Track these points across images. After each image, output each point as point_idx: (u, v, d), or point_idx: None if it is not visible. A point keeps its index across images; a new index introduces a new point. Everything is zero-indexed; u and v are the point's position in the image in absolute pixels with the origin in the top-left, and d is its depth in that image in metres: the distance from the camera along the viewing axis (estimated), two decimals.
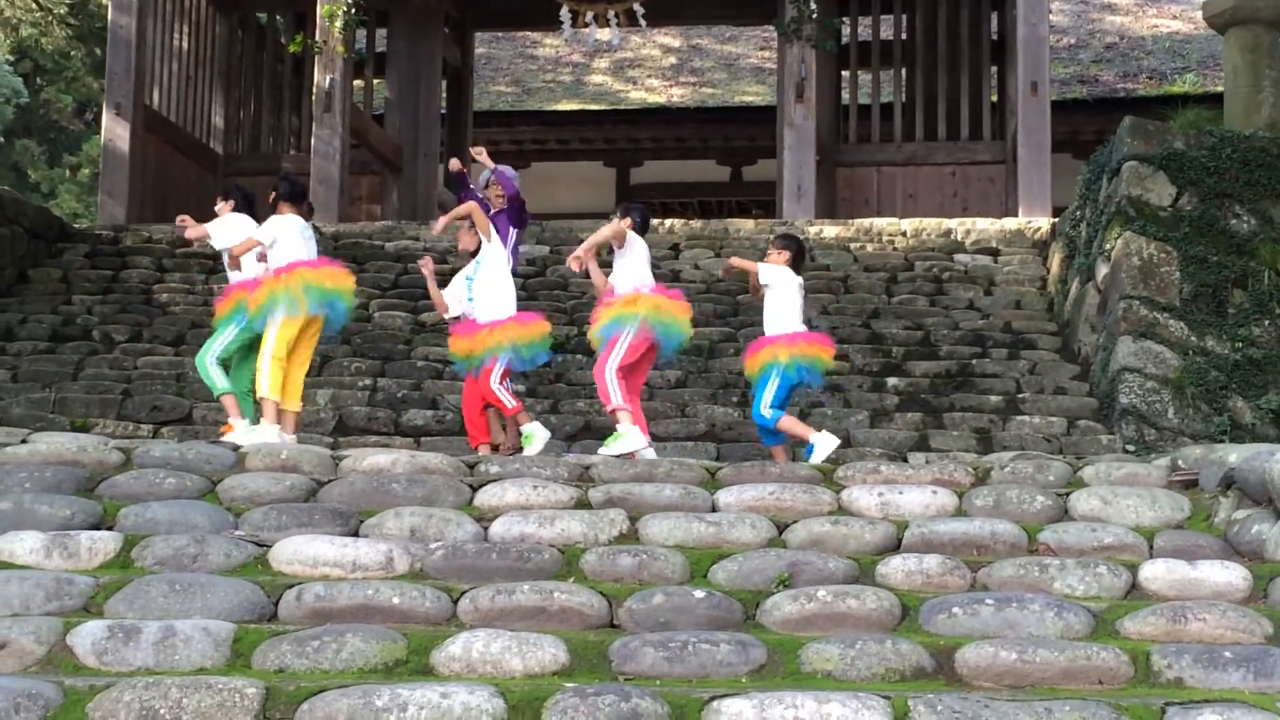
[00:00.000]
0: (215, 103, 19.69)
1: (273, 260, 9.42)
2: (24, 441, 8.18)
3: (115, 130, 17.09)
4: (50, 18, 24.66)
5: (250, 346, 9.58)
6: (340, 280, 9.59)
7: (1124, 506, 7.26)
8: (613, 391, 9.22)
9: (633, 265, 9.59)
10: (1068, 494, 7.46)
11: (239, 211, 9.99)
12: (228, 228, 9.86)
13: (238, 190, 10.25)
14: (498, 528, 6.88)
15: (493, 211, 10.59)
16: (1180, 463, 8.08)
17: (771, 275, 9.70)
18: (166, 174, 18.08)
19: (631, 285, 9.47)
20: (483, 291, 9.82)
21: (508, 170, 10.92)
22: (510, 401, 9.55)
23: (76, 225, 17.20)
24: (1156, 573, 6.30)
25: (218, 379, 9.53)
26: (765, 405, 9.44)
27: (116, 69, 17.20)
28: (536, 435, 9.39)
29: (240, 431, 9.29)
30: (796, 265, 9.82)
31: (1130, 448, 10.16)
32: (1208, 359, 10.77)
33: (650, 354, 9.58)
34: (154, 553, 6.37)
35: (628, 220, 9.68)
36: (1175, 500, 7.37)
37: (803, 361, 9.46)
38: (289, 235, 9.52)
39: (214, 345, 9.58)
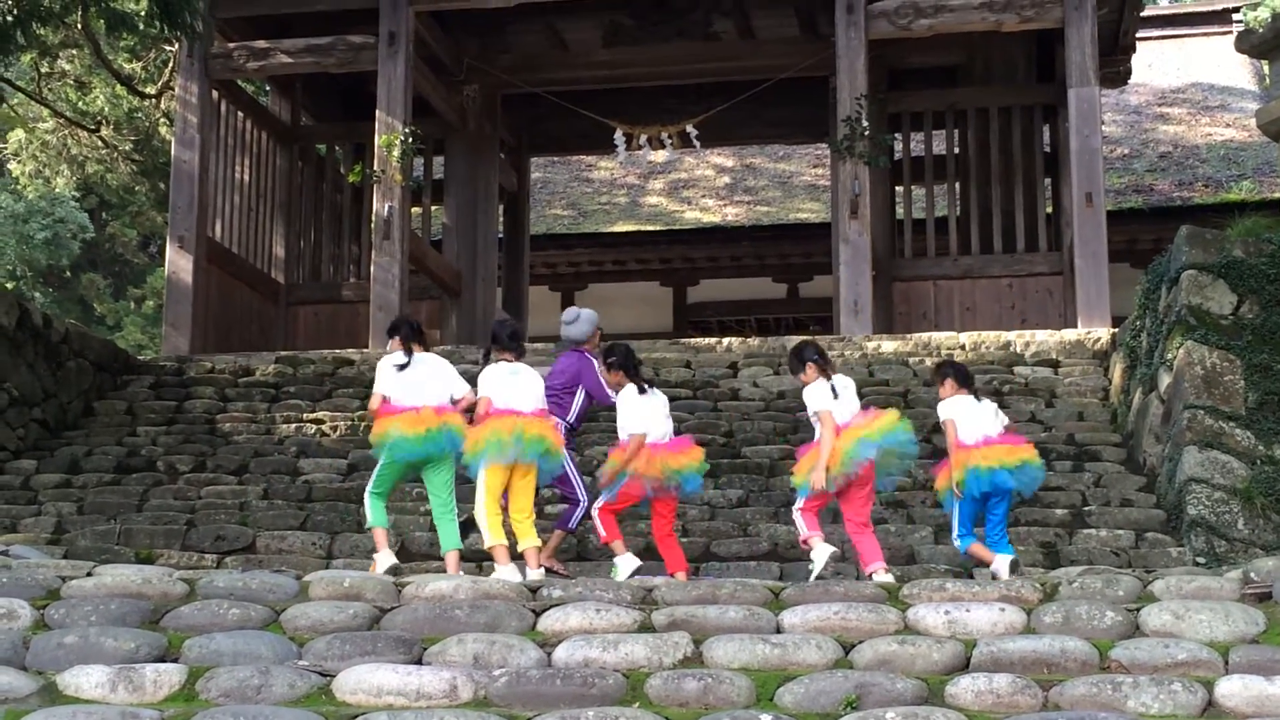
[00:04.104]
0: (276, 233, 19.98)
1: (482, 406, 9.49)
2: (90, 574, 8.23)
3: (178, 263, 17.38)
4: (115, 155, 25.21)
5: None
6: (547, 432, 9.49)
7: (1197, 621, 7.13)
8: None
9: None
10: (1138, 609, 7.33)
11: (411, 342, 9.79)
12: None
13: (406, 325, 9.98)
14: (561, 653, 6.85)
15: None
16: (1253, 575, 7.94)
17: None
18: (229, 304, 18.33)
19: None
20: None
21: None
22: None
23: (141, 357, 17.42)
24: (1233, 689, 6.17)
25: (369, 512, 9.68)
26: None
27: (179, 203, 17.52)
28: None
29: (381, 563, 9.38)
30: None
31: (1200, 560, 10.01)
32: (1276, 468, 10.61)
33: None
34: (218, 685, 6.37)
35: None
36: (1249, 614, 7.23)
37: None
38: (496, 381, 9.59)
39: (372, 477, 9.76)
